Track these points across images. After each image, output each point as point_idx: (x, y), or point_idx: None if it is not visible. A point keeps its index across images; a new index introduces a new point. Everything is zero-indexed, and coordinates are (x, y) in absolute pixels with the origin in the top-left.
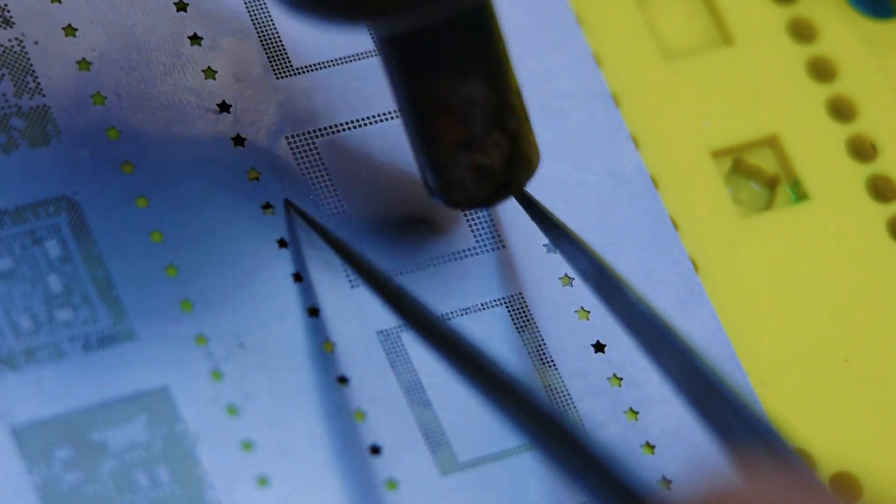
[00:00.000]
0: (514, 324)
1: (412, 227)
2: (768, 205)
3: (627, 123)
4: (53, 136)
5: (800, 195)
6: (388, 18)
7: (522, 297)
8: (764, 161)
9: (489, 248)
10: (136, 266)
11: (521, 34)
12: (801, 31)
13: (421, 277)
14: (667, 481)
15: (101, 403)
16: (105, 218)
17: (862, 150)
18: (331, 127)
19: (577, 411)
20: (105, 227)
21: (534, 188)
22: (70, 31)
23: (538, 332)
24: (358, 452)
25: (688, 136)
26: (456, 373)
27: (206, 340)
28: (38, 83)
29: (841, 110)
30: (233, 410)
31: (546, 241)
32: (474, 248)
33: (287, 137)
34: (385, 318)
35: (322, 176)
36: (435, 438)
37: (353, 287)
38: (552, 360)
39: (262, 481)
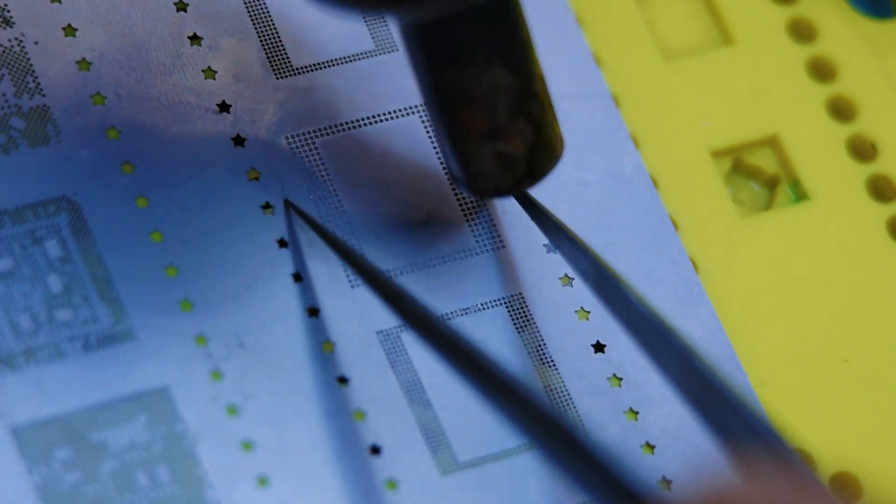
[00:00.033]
0: (514, 324)
1: (422, 224)
2: (768, 205)
3: (627, 123)
4: (53, 136)
5: (800, 195)
6: (412, 7)
7: (522, 297)
8: (764, 161)
9: (489, 248)
10: (136, 266)
11: None
12: (801, 31)
13: (421, 277)
14: (667, 481)
15: (101, 403)
16: (105, 218)
17: (862, 150)
18: (331, 127)
19: (577, 411)
20: (105, 227)
21: (534, 188)
22: (70, 31)
23: (538, 332)
24: (358, 452)
25: (688, 136)
26: (456, 373)
27: (206, 340)
28: (38, 83)
29: (841, 110)
30: (233, 410)
31: (546, 241)
32: (474, 248)
33: (287, 137)
34: (385, 318)
35: (322, 176)
36: (435, 438)
37: (353, 287)
38: (552, 360)
39: (262, 481)
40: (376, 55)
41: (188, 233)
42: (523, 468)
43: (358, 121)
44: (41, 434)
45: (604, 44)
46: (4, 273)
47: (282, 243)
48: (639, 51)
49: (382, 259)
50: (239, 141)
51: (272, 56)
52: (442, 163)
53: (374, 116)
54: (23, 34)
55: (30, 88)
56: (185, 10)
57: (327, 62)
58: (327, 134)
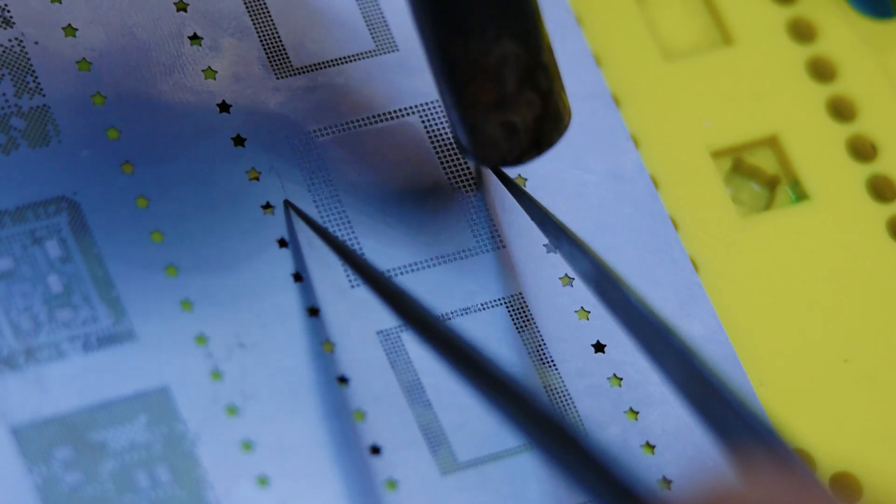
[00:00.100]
0: (514, 324)
1: (422, 224)
2: (768, 205)
3: (627, 123)
4: (53, 136)
5: (800, 195)
6: None
7: (522, 297)
8: (764, 161)
9: (489, 248)
10: (136, 266)
11: None
12: (801, 31)
13: (421, 277)
14: (667, 481)
15: (101, 403)
16: (105, 218)
17: (862, 150)
18: (331, 127)
19: (577, 411)
20: (105, 227)
21: (534, 188)
22: (70, 31)
23: (538, 332)
24: (358, 452)
25: (688, 136)
26: (456, 373)
27: (206, 340)
28: (38, 83)
29: (841, 110)
30: (233, 410)
31: (546, 241)
32: (474, 248)
33: (287, 137)
34: (385, 318)
35: (322, 176)
36: (435, 438)
37: (353, 287)
38: (552, 360)
39: (262, 481)
40: (376, 55)
41: (188, 233)
42: (523, 468)
43: (358, 121)
44: (41, 434)
45: (604, 44)
46: (4, 273)
47: (282, 243)
48: (639, 51)
49: (382, 259)
50: (239, 141)
51: (272, 56)
52: (442, 162)
53: (374, 116)
54: (23, 34)
55: (30, 88)
56: (185, 10)
57: (327, 62)
58: (327, 134)
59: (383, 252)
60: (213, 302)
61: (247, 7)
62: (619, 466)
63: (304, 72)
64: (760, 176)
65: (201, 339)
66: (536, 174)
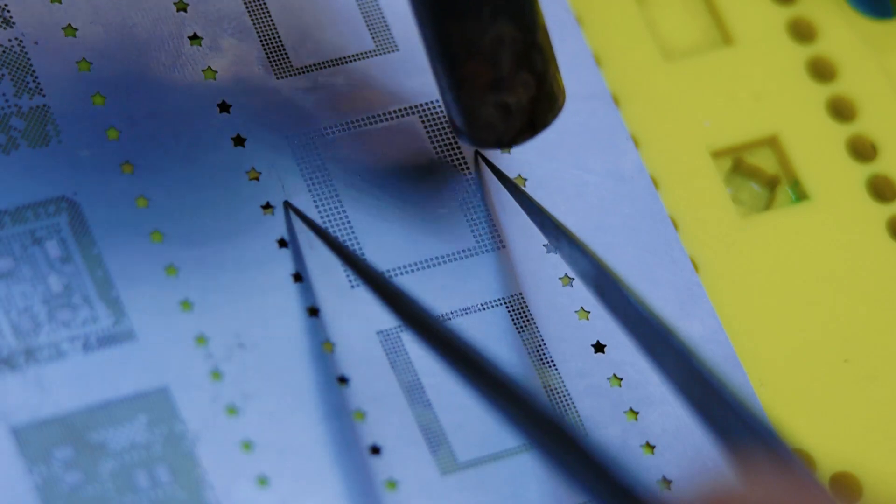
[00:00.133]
0: (514, 324)
1: (422, 224)
2: (768, 205)
3: (627, 123)
4: (53, 136)
5: (800, 195)
6: None
7: (522, 297)
8: (764, 161)
9: (489, 248)
10: (136, 266)
11: None
12: (801, 31)
13: (421, 277)
14: (667, 481)
15: (101, 403)
16: (105, 218)
17: (862, 150)
18: (331, 127)
19: (577, 411)
20: (105, 227)
21: (534, 188)
22: (70, 31)
23: (538, 332)
24: (358, 452)
25: (688, 136)
26: (456, 373)
27: (206, 340)
28: (38, 83)
29: (841, 110)
30: (233, 410)
31: (546, 241)
32: (474, 248)
33: (287, 137)
34: (385, 318)
35: (322, 176)
36: (435, 438)
37: (353, 287)
38: (552, 360)
39: (262, 481)
40: (376, 55)
41: (188, 233)
42: (523, 468)
43: (358, 121)
44: (41, 434)
45: (604, 44)
46: (4, 273)
47: (282, 243)
48: (639, 51)
49: (382, 259)
50: (239, 141)
51: (272, 56)
52: (442, 162)
53: (374, 116)
54: (23, 34)
55: (30, 88)
56: (185, 10)
57: (327, 62)
58: (327, 134)
59: (383, 252)
60: (213, 302)
61: (247, 7)
62: (618, 466)
63: (304, 72)
64: (760, 176)
65: (201, 339)
66: (536, 174)
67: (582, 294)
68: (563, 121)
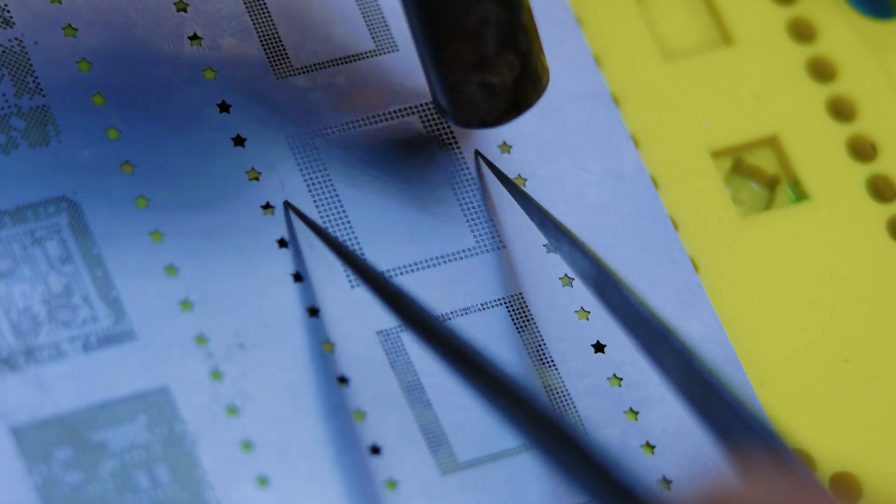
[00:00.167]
0: (514, 324)
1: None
2: (768, 205)
3: (627, 123)
4: (53, 136)
5: (800, 195)
6: None
7: (522, 297)
8: (764, 161)
9: (489, 248)
10: (136, 266)
11: None
12: (801, 31)
13: (421, 277)
14: (667, 481)
15: (101, 403)
16: (105, 218)
17: (862, 150)
18: (331, 127)
19: (577, 411)
20: (105, 227)
21: (534, 188)
22: (70, 31)
23: (538, 332)
24: (358, 452)
25: (688, 136)
26: (456, 373)
27: (206, 340)
28: (38, 83)
29: (841, 110)
30: (233, 410)
31: (546, 241)
32: (474, 248)
33: (287, 137)
34: (385, 318)
35: (322, 176)
36: (435, 438)
37: (353, 287)
38: (552, 360)
39: (262, 481)
40: (376, 55)
41: (188, 233)
42: (523, 468)
43: (358, 121)
44: (41, 434)
45: (604, 44)
46: (4, 273)
47: (282, 243)
48: (639, 51)
49: (382, 259)
50: (239, 141)
51: (272, 56)
52: (442, 163)
53: (374, 116)
54: (23, 34)
55: (30, 88)
56: (185, 10)
57: (327, 62)
58: (327, 134)
59: (383, 252)
60: (213, 302)
61: (247, 7)
62: (618, 466)
63: (304, 72)
64: (760, 176)
65: (201, 339)
66: (536, 174)
67: (582, 294)
68: (563, 121)
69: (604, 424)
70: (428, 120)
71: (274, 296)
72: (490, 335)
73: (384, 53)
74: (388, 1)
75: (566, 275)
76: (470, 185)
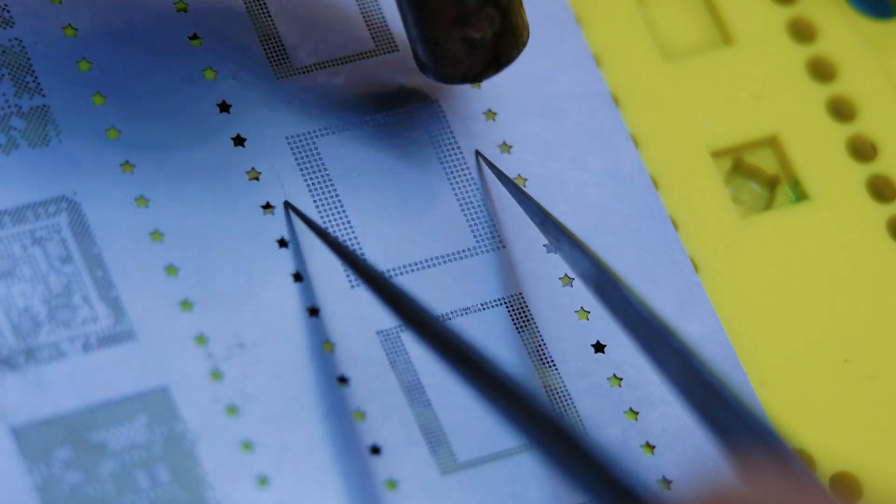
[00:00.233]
0: (514, 324)
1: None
2: (768, 205)
3: (627, 123)
4: (53, 136)
5: (800, 195)
6: None
7: (522, 297)
8: (764, 161)
9: (489, 248)
10: (136, 266)
11: None
12: (801, 31)
13: (421, 277)
14: (667, 481)
15: (101, 403)
16: (105, 218)
17: (862, 150)
18: (331, 127)
19: (577, 411)
20: (105, 227)
21: (534, 188)
22: (70, 31)
23: (538, 332)
24: (358, 452)
25: (688, 136)
26: (456, 373)
27: (206, 340)
28: (38, 83)
29: (841, 110)
30: (233, 410)
31: (546, 241)
32: (474, 248)
33: (287, 137)
34: (385, 318)
35: (322, 176)
36: (435, 438)
37: (353, 287)
38: (552, 360)
39: (262, 481)
40: (376, 55)
41: (188, 233)
42: (523, 468)
43: (358, 121)
44: (41, 434)
45: (604, 44)
46: (4, 273)
47: (282, 243)
48: (639, 51)
49: (382, 259)
50: (239, 141)
51: (272, 56)
52: (442, 163)
53: (373, 116)
54: (23, 34)
55: (30, 88)
56: (185, 11)
57: (327, 62)
58: (327, 134)
59: (383, 252)
60: (213, 302)
61: (247, 7)
62: (618, 466)
63: (304, 72)
64: (760, 176)
65: (201, 339)
66: (536, 174)
67: (582, 294)
68: (563, 121)
69: (604, 424)
70: (428, 120)
71: (274, 296)
72: (490, 335)
73: (384, 53)
74: (388, 1)
75: (566, 275)
76: (470, 185)
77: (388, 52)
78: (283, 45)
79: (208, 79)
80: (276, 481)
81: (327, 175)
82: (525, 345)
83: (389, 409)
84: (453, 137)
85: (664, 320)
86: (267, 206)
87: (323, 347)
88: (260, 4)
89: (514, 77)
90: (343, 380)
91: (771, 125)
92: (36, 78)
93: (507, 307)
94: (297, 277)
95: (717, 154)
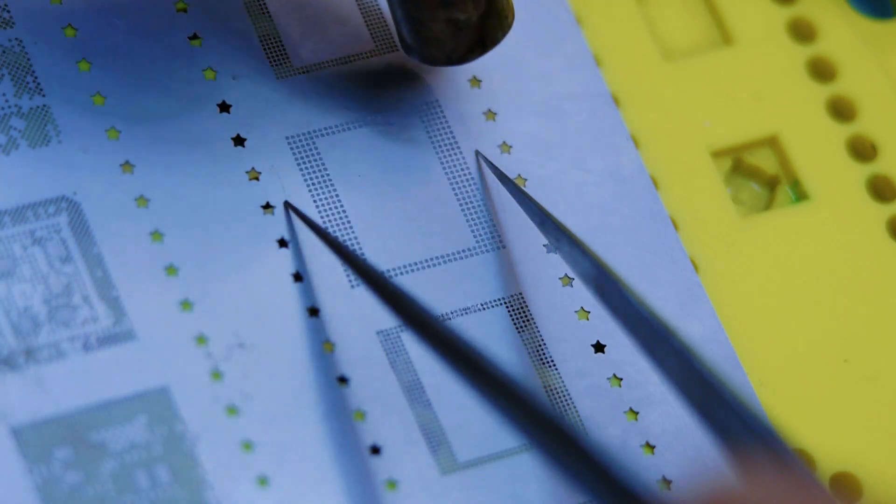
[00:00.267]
0: (514, 324)
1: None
2: (768, 205)
3: (627, 123)
4: (53, 136)
5: (800, 195)
6: None
7: (522, 297)
8: (764, 161)
9: (489, 248)
10: (136, 266)
11: (521, 34)
12: (801, 31)
13: (421, 277)
14: (667, 481)
15: (101, 403)
16: (105, 218)
17: (862, 150)
18: (331, 127)
19: (577, 411)
20: (105, 227)
21: (534, 188)
22: (70, 30)
23: (538, 332)
24: (358, 452)
25: (688, 136)
26: (456, 373)
27: (206, 340)
28: (38, 83)
29: (841, 110)
30: (233, 410)
31: (546, 241)
32: (474, 248)
33: (287, 137)
34: (385, 318)
35: (322, 176)
36: (435, 438)
37: (353, 287)
38: (552, 360)
39: (262, 481)
40: (376, 55)
41: (188, 233)
42: (523, 468)
43: (358, 121)
44: (41, 434)
45: (604, 44)
46: (4, 273)
47: (282, 243)
48: (639, 51)
49: (382, 259)
50: (239, 141)
51: (272, 56)
52: (442, 163)
53: (373, 116)
54: (23, 34)
55: (30, 88)
56: (185, 11)
57: (327, 62)
58: (327, 134)
59: (383, 252)
60: (213, 302)
61: (247, 7)
62: (618, 466)
63: (304, 72)
64: (760, 176)
65: (201, 339)
66: (536, 174)
67: (582, 294)
68: (563, 121)
69: (604, 424)
70: (428, 120)
71: (274, 296)
72: (490, 335)
73: (384, 53)
74: None
75: (566, 275)
76: (470, 185)
77: (388, 52)
78: (283, 45)
79: (208, 79)
80: (276, 481)
81: (327, 175)
82: (525, 345)
83: (389, 409)
84: (453, 137)
85: (664, 320)
86: (267, 206)
87: (323, 347)
88: (260, 4)
89: (514, 77)
90: (343, 380)
91: (771, 125)
92: (36, 78)
93: (507, 307)
94: (297, 277)
95: (717, 154)
